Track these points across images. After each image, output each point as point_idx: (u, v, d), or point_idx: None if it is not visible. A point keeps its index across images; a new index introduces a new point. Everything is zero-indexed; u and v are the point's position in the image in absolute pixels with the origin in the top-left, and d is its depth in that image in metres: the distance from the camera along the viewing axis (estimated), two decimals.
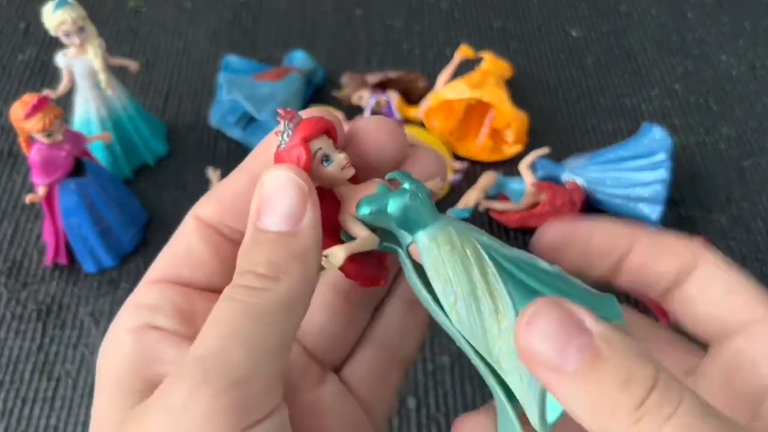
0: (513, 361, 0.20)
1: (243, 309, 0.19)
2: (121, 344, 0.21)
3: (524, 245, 0.60)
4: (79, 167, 0.55)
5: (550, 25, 0.81)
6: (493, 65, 0.68)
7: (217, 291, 0.24)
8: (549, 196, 0.59)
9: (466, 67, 0.69)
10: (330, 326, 0.25)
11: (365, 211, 0.22)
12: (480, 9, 0.82)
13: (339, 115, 0.22)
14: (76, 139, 0.54)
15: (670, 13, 0.82)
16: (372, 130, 0.23)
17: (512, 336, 0.20)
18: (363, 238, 0.23)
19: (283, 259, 0.20)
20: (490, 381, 0.21)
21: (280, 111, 0.23)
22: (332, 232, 0.23)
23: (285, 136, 0.22)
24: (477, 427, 0.24)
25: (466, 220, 0.60)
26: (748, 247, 0.61)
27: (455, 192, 0.63)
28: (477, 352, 0.21)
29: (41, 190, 0.53)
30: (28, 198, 0.54)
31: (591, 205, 0.61)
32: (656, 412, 0.16)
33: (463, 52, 0.70)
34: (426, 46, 0.77)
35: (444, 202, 0.61)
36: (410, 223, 0.22)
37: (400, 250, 0.23)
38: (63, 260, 0.57)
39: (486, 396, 0.52)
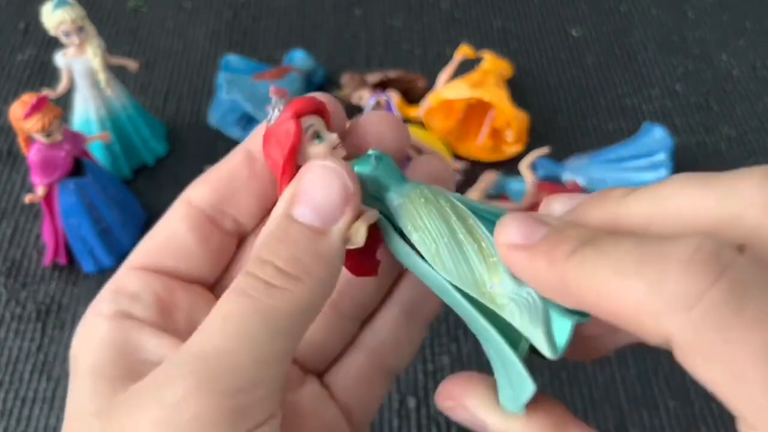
0: (508, 291, 0.20)
1: (257, 308, 0.18)
2: (98, 330, 0.20)
3: None
4: (78, 167, 0.55)
5: (551, 25, 0.80)
6: (493, 65, 0.68)
7: (201, 283, 0.23)
8: (549, 196, 0.59)
9: (467, 66, 0.69)
10: (315, 335, 0.24)
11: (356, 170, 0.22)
12: (480, 8, 0.82)
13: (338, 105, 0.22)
14: (76, 139, 0.54)
15: (671, 13, 0.82)
16: (374, 122, 0.23)
17: (502, 267, 0.20)
18: (368, 211, 0.22)
19: (310, 257, 0.19)
20: (489, 333, 0.20)
21: (271, 88, 0.22)
22: None
23: (276, 110, 0.22)
24: (471, 385, 0.21)
25: None
26: None
27: (456, 192, 0.63)
28: (469, 298, 0.21)
29: (40, 190, 0.53)
30: (28, 198, 0.54)
31: None
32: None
33: (463, 51, 0.70)
34: (426, 46, 0.77)
35: None
36: (380, 187, 0.22)
37: (381, 217, 0.22)
38: (62, 260, 0.57)
39: None
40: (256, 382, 0.17)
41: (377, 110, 0.24)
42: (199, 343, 0.18)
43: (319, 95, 0.22)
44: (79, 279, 0.57)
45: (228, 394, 0.17)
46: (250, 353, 0.17)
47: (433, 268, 0.21)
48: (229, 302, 0.18)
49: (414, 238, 0.21)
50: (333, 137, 0.22)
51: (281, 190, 0.22)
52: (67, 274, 0.58)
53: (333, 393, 0.24)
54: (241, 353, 0.17)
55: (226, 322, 0.18)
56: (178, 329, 0.21)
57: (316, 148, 0.21)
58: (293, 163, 0.22)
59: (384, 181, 0.22)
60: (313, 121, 0.22)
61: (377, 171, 0.22)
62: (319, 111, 0.22)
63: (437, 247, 0.21)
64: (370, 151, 0.22)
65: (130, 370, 0.19)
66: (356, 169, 0.22)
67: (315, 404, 0.23)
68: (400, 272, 0.26)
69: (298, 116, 0.22)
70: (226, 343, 0.17)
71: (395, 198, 0.22)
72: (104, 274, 0.58)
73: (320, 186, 0.20)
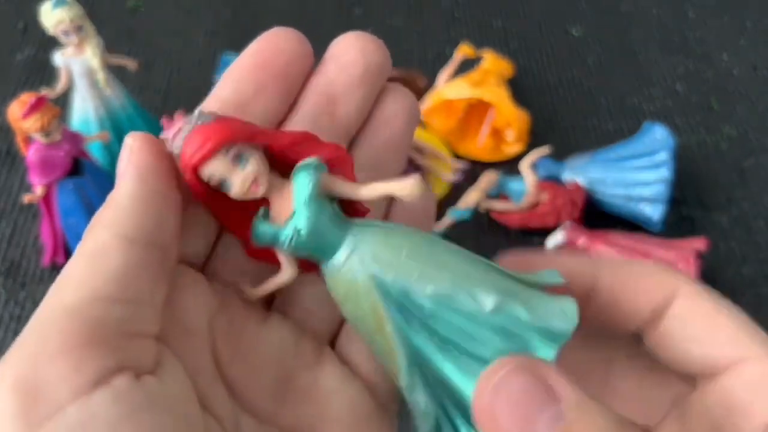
0: (409, 395, 0.20)
1: None
2: None
3: (524, 246, 0.60)
4: (77, 167, 0.54)
5: (551, 24, 0.80)
6: (493, 64, 0.68)
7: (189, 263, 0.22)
8: (550, 196, 0.59)
9: (467, 66, 0.69)
10: (317, 290, 0.23)
11: (256, 242, 0.21)
12: (480, 8, 0.82)
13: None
14: (75, 138, 0.54)
15: (672, 13, 0.82)
16: (352, 39, 0.23)
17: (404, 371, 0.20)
18: (277, 278, 0.22)
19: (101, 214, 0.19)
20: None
21: (163, 121, 0.21)
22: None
23: (180, 136, 0.20)
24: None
25: (466, 220, 0.60)
26: (749, 247, 0.61)
27: (456, 192, 0.62)
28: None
29: (39, 190, 0.53)
30: (27, 198, 0.54)
31: (592, 206, 0.60)
32: None
33: (463, 51, 0.69)
34: (426, 46, 0.77)
35: (445, 203, 0.61)
36: (310, 255, 0.21)
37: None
38: (61, 260, 0.57)
39: None
40: (37, 348, 0.18)
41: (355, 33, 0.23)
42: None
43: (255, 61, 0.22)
44: None
45: (8, 374, 0.17)
46: (35, 318, 0.18)
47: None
48: None
49: (344, 314, 0.21)
50: (238, 182, 0.20)
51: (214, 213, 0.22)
52: None
53: (350, 365, 0.23)
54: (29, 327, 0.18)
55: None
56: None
57: (231, 192, 0.20)
58: (211, 204, 0.21)
59: (310, 250, 0.20)
60: (216, 167, 0.20)
61: (298, 244, 0.20)
62: (228, 141, 0.20)
63: (361, 333, 0.21)
64: (289, 226, 0.20)
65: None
66: (280, 241, 0.20)
67: (336, 382, 0.22)
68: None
69: (195, 171, 0.20)
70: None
71: (325, 270, 0.21)
72: None
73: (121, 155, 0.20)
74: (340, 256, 0.20)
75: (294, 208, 0.20)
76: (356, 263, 0.20)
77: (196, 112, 0.21)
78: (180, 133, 0.20)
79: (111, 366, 0.16)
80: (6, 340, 0.54)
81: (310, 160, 0.21)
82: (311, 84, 0.23)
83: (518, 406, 0.16)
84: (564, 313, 0.20)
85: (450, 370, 0.19)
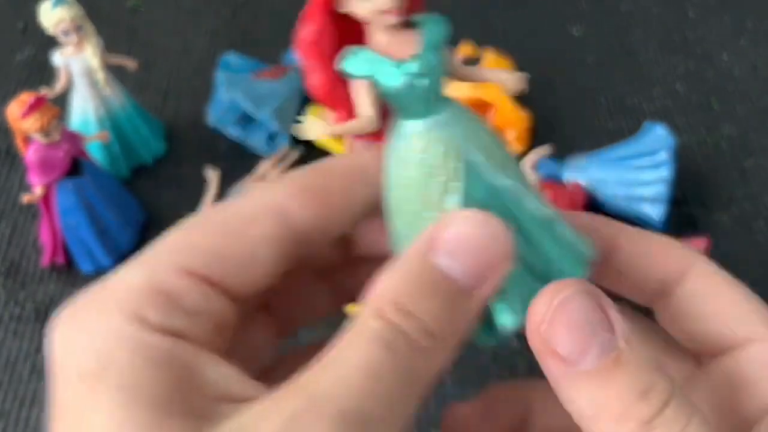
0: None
1: (403, 370, 0.16)
2: (143, 343, 0.17)
3: None
4: (76, 167, 0.54)
5: (551, 24, 0.80)
6: (494, 64, 0.68)
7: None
8: (550, 196, 0.59)
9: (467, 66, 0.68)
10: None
11: (347, 69, 0.20)
12: (480, 7, 0.82)
13: None
14: (74, 138, 0.54)
15: (672, 12, 0.82)
16: None
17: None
18: (351, 123, 0.20)
19: (459, 320, 0.18)
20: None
21: None
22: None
23: None
24: (470, 415, 0.23)
25: None
26: (750, 246, 0.61)
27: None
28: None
29: (38, 190, 0.53)
30: (26, 198, 0.54)
31: (592, 206, 0.60)
32: (668, 426, 0.16)
33: (463, 51, 0.69)
34: None
35: None
36: (402, 106, 0.20)
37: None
38: (61, 260, 0.57)
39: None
40: None
41: None
42: (338, 398, 0.15)
43: None
44: (78, 279, 0.57)
45: None
46: (392, 420, 0.16)
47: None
48: (370, 354, 0.16)
49: (391, 180, 0.20)
50: None
51: (301, 33, 0.20)
52: (66, 275, 0.57)
53: None
54: (385, 420, 0.16)
55: (374, 383, 0.16)
56: (224, 350, 0.19)
57: (361, 6, 0.19)
58: (321, 6, 0.20)
59: (409, 102, 0.20)
60: None
61: (404, 90, 0.19)
62: None
63: (399, 206, 0.20)
64: (412, 65, 0.19)
65: (190, 404, 0.16)
66: (380, 78, 0.19)
67: None
68: None
69: None
70: (371, 406, 0.16)
71: (403, 129, 0.20)
72: (103, 274, 0.57)
73: (474, 236, 0.18)
74: (444, 117, 0.20)
75: (421, 50, 0.19)
76: (457, 130, 0.20)
77: None
78: None
79: None
80: (6, 340, 0.54)
81: (440, 16, 0.20)
82: None
83: (576, 327, 0.17)
84: (585, 243, 0.21)
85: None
